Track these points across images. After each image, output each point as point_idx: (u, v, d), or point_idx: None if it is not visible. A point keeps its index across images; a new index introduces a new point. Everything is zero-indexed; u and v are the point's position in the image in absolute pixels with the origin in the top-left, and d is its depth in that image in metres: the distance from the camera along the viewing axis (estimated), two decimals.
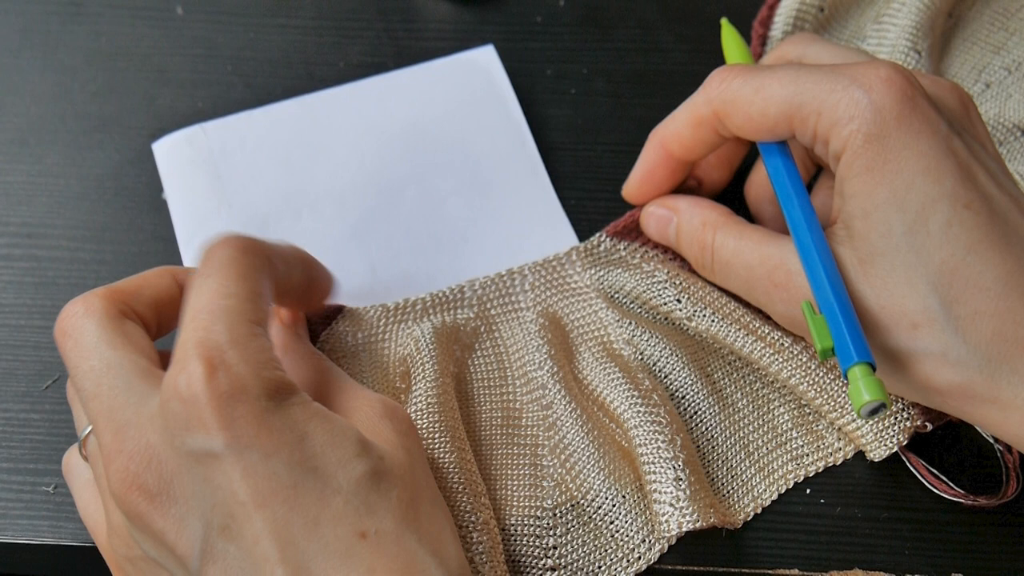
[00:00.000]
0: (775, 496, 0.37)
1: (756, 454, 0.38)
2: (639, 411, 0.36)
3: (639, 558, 0.36)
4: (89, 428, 0.32)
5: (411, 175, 0.44)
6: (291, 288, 0.35)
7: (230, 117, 0.46)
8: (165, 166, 0.44)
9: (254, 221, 0.43)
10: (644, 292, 0.40)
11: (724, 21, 0.46)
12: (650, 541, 0.36)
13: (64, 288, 0.42)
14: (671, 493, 0.34)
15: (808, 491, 0.38)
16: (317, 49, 0.49)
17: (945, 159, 0.31)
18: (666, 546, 0.36)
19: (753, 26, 0.47)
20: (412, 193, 0.44)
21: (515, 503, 0.37)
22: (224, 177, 0.44)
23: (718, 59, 0.48)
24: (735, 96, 0.35)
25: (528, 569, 0.36)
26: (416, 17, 0.50)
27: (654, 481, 0.35)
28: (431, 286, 0.41)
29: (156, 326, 0.34)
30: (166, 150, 0.45)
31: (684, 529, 0.34)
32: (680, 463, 0.35)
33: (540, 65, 0.48)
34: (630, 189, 0.41)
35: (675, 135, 0.38)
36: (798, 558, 0.37)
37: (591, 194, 0.44)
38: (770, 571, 0.36)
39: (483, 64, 0.47)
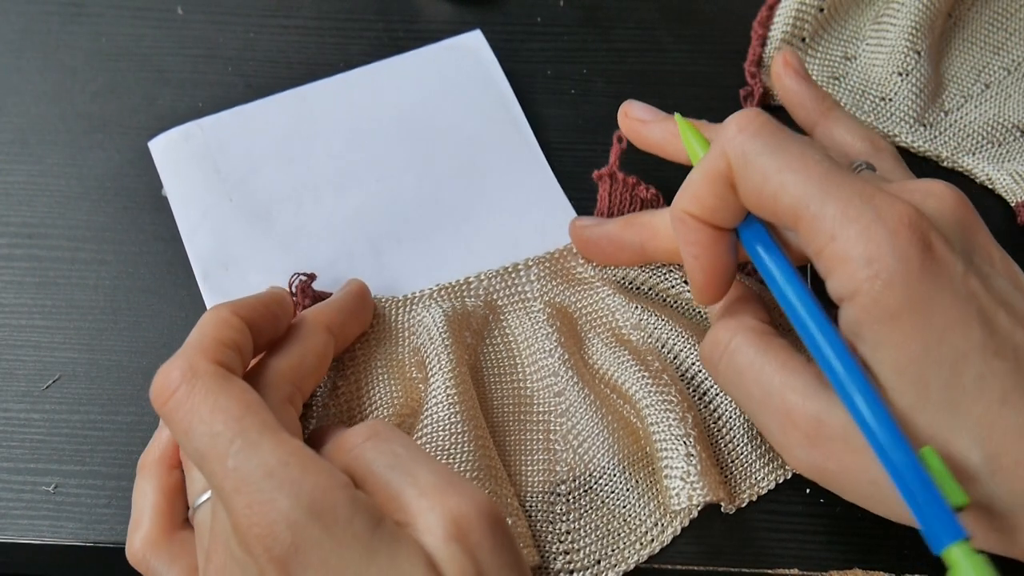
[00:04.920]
0: (779, 480, 0.38)
1: (760, 437, 0.38)
2: (650, 391, 0.37)
3: (652, 540, 0.36)
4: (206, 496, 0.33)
5: (409, 160, 0.45)
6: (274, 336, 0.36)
7: (225, 112, 0.46)
8: (163, 163, 0.44)
9: (257, 213, 0.43)
10: (650, 277, 0.41)
11: (677, 116, 0.39)
12: (663, 524, 0.36)
13: (64, 288, 0.42)
14: (682, 468, 0.35)
15: (808, 491, 0.38)
16: (317, 49, 0.49)
17: (968, 305, 0.30)
18: (679, 528, 0.36)
19: (753, 26, 0.47)
20: (411, 177, 0.44)
21: (528, 489, 0.37)
22: (223, 171, 0.44)
23: (718, 59, 0.48)
24: (755, 161, 0.32)
25: (542, 554, 0.36)
26: (416, 17, 0.50)
27: (666, 457, 0.36)
28: (436, 266, 0.42)
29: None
30: (163, 147, 0.45)
31: (695, 502, 0.35)
32: (692, 440, 0.36)
33: (540, 65, 0.48)
34: (698, 295, 0.36)
35: (693, 197, 0.34)
36: (798, 558, 0.37)
37: (592, 194, 0.44)
38: (770, 571, 0.36)
39: (472, 47, 0.48)
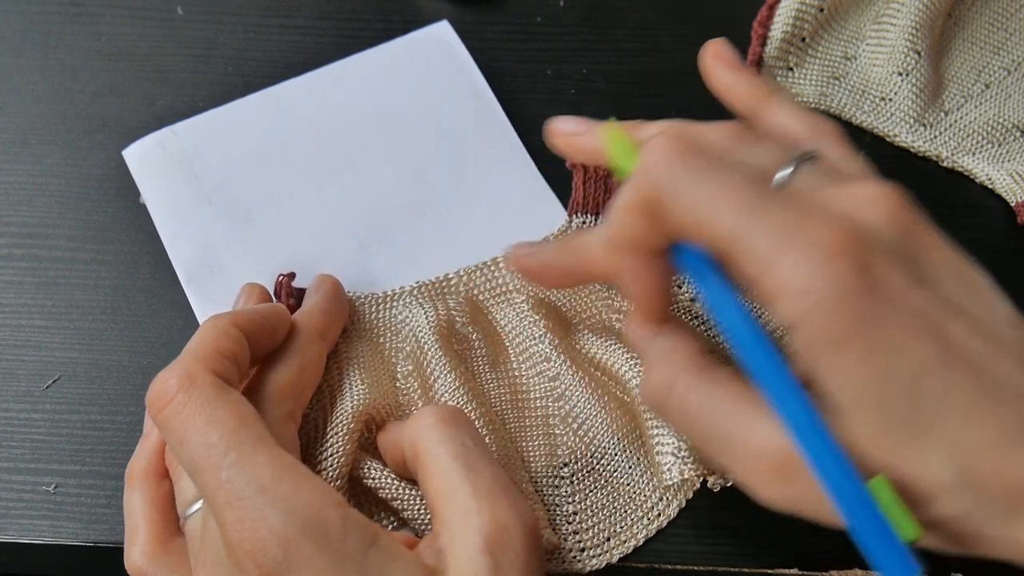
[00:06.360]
0: None
1: None
2: (639, 371, 0.37)
3: (659, 515, 0.37)
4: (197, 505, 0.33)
5: (386, 153, 0.45)
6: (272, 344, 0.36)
7: (198, 116, 0.46)
8: (139, 171, 0.44)
9: (238, 216, 0.43)
10: None
11: (605, 125, 0.37)
12: (667, 498, 0.37)
13: (64, 288, 0.42)
14: (674, 444, 0.35)
15: None
16: (317, 49, 0.49)
17: (917, 322, 0.29)
18: (683, 501, 0.37)
19: (753, 26, 0.47)
20: (390, 171, 0.44)
21: (532, 474, 0.38)
22: (201, 176, 0.44)
23: None
24: (678, 193, 0.30)
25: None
26: (416, 17, 0.50)
27: (657, 434, 0.36)
28: (421, 258, 0.42)
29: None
30: (137, 155, 0.45)
31: (687, 476, 0.35)
32: None
33: (540, 65, 0.48)
34: (638, 316, 0.34)
35: (619, 226, 0.32)
36: (798, 558, 0.37)
37: None
38: (770, 571, 0.36)
39: (440, 39, 0.48)
